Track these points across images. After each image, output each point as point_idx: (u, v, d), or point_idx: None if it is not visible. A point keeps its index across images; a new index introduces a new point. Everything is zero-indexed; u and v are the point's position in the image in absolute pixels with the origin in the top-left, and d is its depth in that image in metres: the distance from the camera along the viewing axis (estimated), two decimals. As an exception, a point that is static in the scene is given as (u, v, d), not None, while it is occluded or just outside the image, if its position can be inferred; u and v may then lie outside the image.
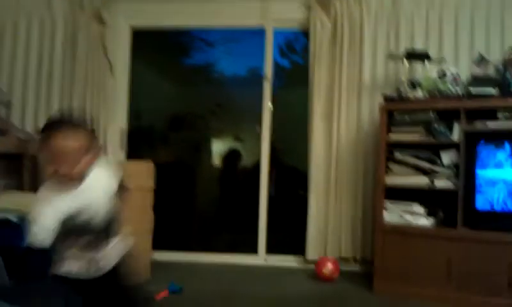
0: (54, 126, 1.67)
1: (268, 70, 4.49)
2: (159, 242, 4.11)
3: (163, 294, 3.32)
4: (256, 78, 4.64)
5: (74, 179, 1.70)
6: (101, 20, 4.37)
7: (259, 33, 4.53)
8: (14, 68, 4.42)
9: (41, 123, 4.13)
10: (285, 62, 5.36)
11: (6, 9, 4.45)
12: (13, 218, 2.96)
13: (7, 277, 2.07)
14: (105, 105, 4.38)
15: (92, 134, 1.79)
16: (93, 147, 1.74)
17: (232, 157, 5.59)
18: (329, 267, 3.78)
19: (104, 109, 4.37)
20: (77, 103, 4.34)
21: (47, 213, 1.65)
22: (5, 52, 4.44)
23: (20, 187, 3.91)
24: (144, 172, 3.79)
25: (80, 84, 4.36)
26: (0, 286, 1.81)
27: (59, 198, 1.69)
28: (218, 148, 5.70)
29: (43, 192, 1.74)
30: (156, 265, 3.92)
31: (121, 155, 4.53)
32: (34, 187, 3.82)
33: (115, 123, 4.49)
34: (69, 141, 1.64)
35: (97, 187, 1.80)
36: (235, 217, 5.43)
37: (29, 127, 4.30)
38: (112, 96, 4.45)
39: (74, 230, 1.72)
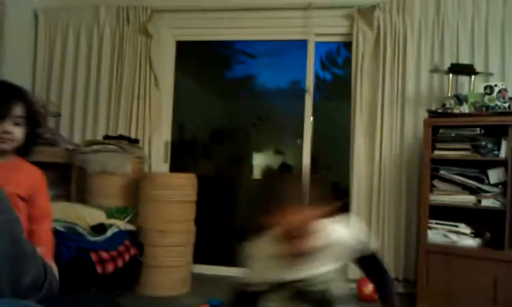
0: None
1: (309, 82, 4.45)
2: (200, 256, 4.15)
3: (203, 307, 3.36)
4: (297, 91, 4.63)
5: (304, 254, 1.43)
6: (147, 33, 4.47)
7: (301, 45, 4.51)
8: (63, 81, 4.61)
9: (88, 135, 4.33)
10: (326, 75, 5.32)
11: (56, 23, 4.65)
12: (60, 227, 3.07)
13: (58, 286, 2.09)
14: (150, 117, 4.46)
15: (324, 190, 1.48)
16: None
17: (283, 170, 5.55)
18: (370, 287, 3.69)
19: (149, 121, 4.46)
20: (123, 115, 4.46)
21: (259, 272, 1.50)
22: (55, 65, 4.64)
23: (67, 196, 4.05)
24: (187, 184, 3.84)
25: (127, 96, 4.48)
26: (51, 295, 1.85)
27: (276, 268, 1.46)
28: (259, 160, 5.71)
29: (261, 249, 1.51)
30: (196, 278, 3.96)
31: (165, 167, 4.61)
32: (80, 197, 3.97)
33: (160, 136, 4.57)
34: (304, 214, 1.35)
35: (328, 256, 1.50)
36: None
37: (77, 139, 4.47)
38: (158, 108, 4.54)
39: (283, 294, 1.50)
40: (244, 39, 4.91)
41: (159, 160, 4.55)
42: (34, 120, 1.90)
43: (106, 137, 4.27)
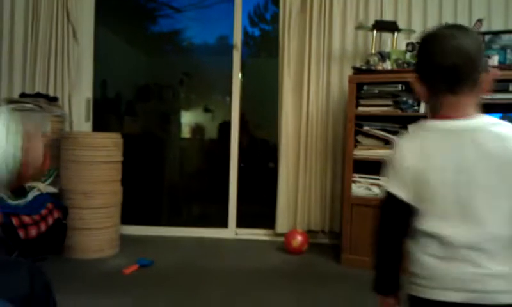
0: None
1: (237, 38, 4.39)
2: (128, 216, 4.06)
3: (133, 268, 3.31)
4: (225, 46, 4.55)
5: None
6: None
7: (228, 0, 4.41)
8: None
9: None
10: (255, 31, 5.26)
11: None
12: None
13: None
14: (69, 73, 4.21)
15: None
16: None
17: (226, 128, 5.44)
18: (298, 239, 3.82)
19: (68, 78, 4.21)
20: (40, 71, 4.17)
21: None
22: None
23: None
24: (111, 144, 3.70)
25: (43, 51, 4.19)
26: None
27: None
28: (188, 118, 5.61)
29: None
30: (125, 239, 3.90)
31: (88, 126, 4.41)
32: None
33: (80, 93, 4.34)
34: None
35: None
36: (205, 190, 5.41)
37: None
38: (77, 64, 4.28)
39: None
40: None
41: (80, 118, 4.34)
42: None
43: (22, 95, 4.01)
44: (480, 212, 1.14)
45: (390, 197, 1.25)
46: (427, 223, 1.20)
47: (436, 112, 1.23)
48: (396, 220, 1.27)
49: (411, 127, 1.30)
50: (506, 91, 3.16)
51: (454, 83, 1.17)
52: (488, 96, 3.04)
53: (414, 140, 1.24)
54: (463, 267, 1.14)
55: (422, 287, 1.21)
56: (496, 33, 3.44)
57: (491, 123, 1.18)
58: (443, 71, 1.17)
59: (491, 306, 1.13)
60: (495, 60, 3.28)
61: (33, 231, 3.08)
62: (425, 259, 1.20)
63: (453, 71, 1.16)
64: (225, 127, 4.59)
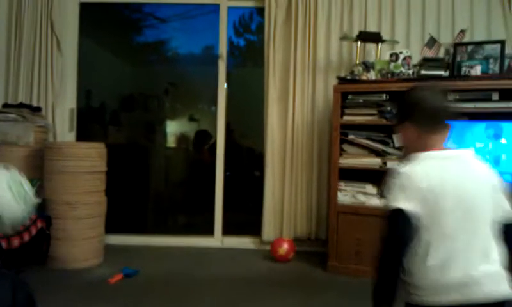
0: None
1: (222, 48, 4.41)
2: (112, 226, 4.03)
3: (118, 277, 3.28)
4: (210, 57, 4.56)
5: None
6: (47, -7, 4.15)
7: (213, 10, 4.43)
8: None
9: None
10: (240, 41, 5.28)
11: None
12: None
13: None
14: (52, 83, 4.18)
15: None
16: None
17: (201, 137, 5.44)
18: (284, 247, 3.82)
19: (52, 88, 4.18)
20: (23, 81, 4.13)
21: None
22: None
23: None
24: (95, 154, 3.67)
25: (27, 61, 4.16)
26: None
27: None
28: (173, 128, 5.58)
29: None
30: (109, 249, 3.86)
31: (71, 136, 4.37)
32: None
33: (64, 103, 4.30)
34: None
35: None
36: (191, 198, 5.38)
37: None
38: (61, 74, 4.25)
39: None
40: (153, 1, 4.70)
41: (64, 128, 4.30)
42: None
43: (5, 105, 3.98)
44: (476, 224, 1.41)
45: (398, 212, 1.41)
46: (432, 236, 1.39)
47: (421, 149, 1.51)
48: (404, 233, 1.41)
49: (410, 158, 1.53)
50: (489, 100, 3.22)
51: (438, 125, 1.52)
52: (472, 106, 3.11)
53: (417, 165, 1.47)
54: (460, 272, 1.36)
55: (424, 296, 1.39)
56: (479, 43, 3.52)
57: (470, 153, 1.52)
58: (433, 118, 1.51)
59: (485, 304, 1.35)
60: (477, 70, 3.35)
61: (16, 241, 3.04)
62: (426, 269, 1.39)
63: (439, 117, 1.52)
64: (204, 136, 4.60)
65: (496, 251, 1.41)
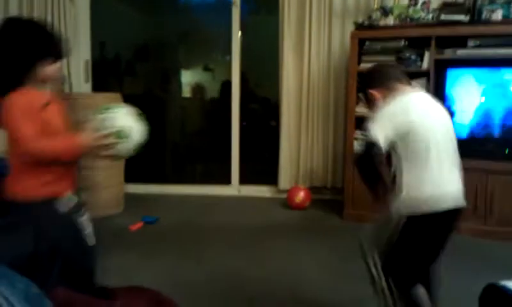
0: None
1: (236, -7, 4.31)
2: (132, 175, 4.10)
3: (138, 225, 3.37)
4: (224, 4, 4.47)
5: None
6: None
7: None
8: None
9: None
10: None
11: None
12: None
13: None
14: (66, 35, 4.15)
15: None
16: None
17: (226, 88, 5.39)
18: (300, 195, 3.87)
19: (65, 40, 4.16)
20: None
21: None
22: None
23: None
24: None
25: (38, 13, 4.11)
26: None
27: None
28: (188, 78, 5.56)
29: None
30: (129, 198, 3.94)
31: (87, 87, 4.38)
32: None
33: (78, 54, 4.29)
34: None
35: None
36: (208, 148, 5.42)
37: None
38: (74, 25, 4.22)
39: None
40: None
41: (79, 80, 4.31)
42: None
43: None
44: (450, 144, 1.72)
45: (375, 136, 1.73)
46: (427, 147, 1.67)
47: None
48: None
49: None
50: (510, 46, 3.14)
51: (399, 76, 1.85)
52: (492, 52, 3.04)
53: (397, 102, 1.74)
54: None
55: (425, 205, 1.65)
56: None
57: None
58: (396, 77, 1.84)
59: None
60: (498, 14, 3.24)
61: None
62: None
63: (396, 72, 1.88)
64: (226, 86, 4.56)
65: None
